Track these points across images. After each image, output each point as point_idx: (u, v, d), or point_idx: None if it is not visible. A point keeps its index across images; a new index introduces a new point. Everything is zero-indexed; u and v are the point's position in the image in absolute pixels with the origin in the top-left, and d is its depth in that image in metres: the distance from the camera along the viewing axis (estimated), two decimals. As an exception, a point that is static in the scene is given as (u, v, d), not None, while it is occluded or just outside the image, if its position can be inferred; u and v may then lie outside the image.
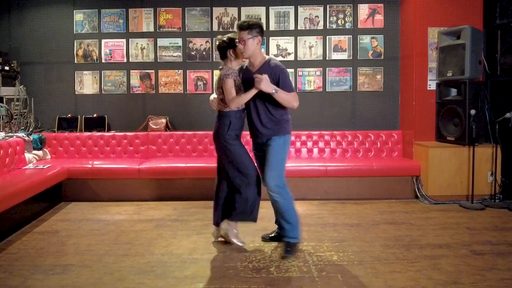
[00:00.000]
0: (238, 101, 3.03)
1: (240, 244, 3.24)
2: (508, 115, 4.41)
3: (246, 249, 3.22)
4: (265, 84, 2.90)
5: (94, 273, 2.81)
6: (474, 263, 2.95)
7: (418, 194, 4.70)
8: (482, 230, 3.68)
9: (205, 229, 3.67)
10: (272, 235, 3.43)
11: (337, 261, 3.00)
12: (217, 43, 3.22)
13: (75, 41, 5.54)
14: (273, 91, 2.92)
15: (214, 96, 3.28)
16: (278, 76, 2.99)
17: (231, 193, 3.27)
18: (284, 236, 3.16)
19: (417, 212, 4.24)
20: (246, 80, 3.10)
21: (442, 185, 4.59)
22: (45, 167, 4.39)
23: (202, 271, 2.84)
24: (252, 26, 3.00)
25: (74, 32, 5.53)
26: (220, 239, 3.37)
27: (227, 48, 3.14)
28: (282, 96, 2.96)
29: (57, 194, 4.60)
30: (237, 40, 3.05)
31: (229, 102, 3.05)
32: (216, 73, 5.45)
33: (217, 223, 3.34)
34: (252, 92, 2.97)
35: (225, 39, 3.16)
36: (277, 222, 3.35)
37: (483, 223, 3.88)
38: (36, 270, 2.86)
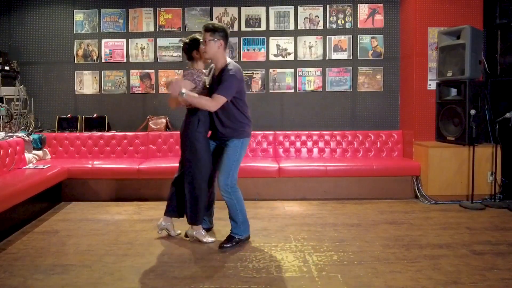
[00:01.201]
0: (170, 101, 3.26)
1: (211, 240, 3.35)
2: (508, 115, 4.42)
3: (246, 249, 3.22)
4: (172, 88, 3.02)
5: (94, 273, 2.81)
6: (474, 263, 2.95)
7: (418, 194, 4.70)
8: (482, 230, 3.68)
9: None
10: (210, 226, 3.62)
11: (337, 261, 3.00)
12: (182, 46, 3.29)
13: (75, 41, 5.54)
14: (182, 94, 2.99)
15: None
16: (223, 78, 3.09)
17: (182, 191, 3.37)
18: (230, 230, 3.34)
19: (417, 212, 4.24)
20: (212, 82, 3.24)
21: (442, 185, 4.59)
22: (45, 167, 4.39)
23: (202, 271, 2.84)
24: (217, 29, 3.10)
25: (74, 32, 5.53)
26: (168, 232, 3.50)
27: (191, 49, 3.22)
28: (191, 100, 3.05)
29: (57, 194, 4.60)
30: (201, 40, 3.16)
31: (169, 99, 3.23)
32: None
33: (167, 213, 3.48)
34: (173, 98, 3.15)
35: (187, 40, 3.24)
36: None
37: (483, 223, 3.88)
38: (36, 270, 2.86)
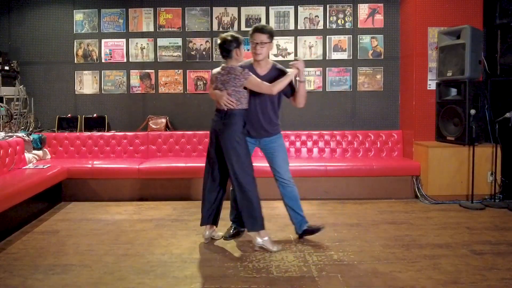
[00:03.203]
0: (280, 87, 3.14)
1: (277, 249, 3.18)
2: (508, 115, 4.41)
3: (246, 249, 3.22)
4: (302, 65, 3.21)
5: (94, 273, 2.81)
6: (474, 263, 2.95)
7: (418, 194, 4.70)
8: (482, 230, 3.68)
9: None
10: (233, 232, 3.49)
11: (337, 261, 3.00)
12: (221, 41, 3.13)
13: (75, 41, 5.54)
14: (304, 79, 3.29)
15: (217, 91, 3.17)
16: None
17: (235, 197, 3.29)
18: (301, 223, 3.40)
19: (417, 212, 4.24)
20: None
21: (442, 185, 4.59)
22: (45, 167, 4.39)
23: (202, 271, 2.84)
24: (272, 32, 3.20)
25: (74, 32, 5.54)
26: (213, 237, 3.42)
27: (232, 47, 3.10)
28: (303, 88, 3.30)
29: (57, 194, 4.60)
30: (252, 41, 3.14)
31: (271, 91, 3.10)
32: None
33: (206, 223, 3.35)
34: (291, 77, 3.20)
35: (229, 38, 3.09)
36: (236, 217, 3.48)
37: (483, 223, 3.88)
38: (36, 270, 2.86)
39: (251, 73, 3.10)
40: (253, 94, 3.18)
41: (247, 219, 3.16)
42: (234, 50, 3.11)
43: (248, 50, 5.38)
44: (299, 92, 3.28)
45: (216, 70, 3.23)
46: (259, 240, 3.17)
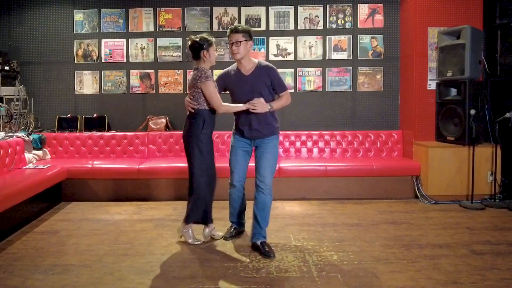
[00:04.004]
0: (228, 110, 3.18)
1: (197, 243, 3.32)
2: (508, 115, 4.42)
3: (246, 249, 3.22)
4: (262, 107, 3.11)
5: (94, 273, 2.81)
6: (474, 263, 2.95)
7: (418, 194, 4.70)
8: (482, 230, 3.68)
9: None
10: (233, 232, 3.48)
11: (337, 261, 3.00)
12: (189, 43, 3.22)
13: (75, 41, 5.54)
14: (269, 108, 3.15)
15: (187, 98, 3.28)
16: (273, 76, 3.18)
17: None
18: (257, 236, 3.20)
19: (417, 212, 4.25)
20: (239, 83, 3.21)
21: (442, 185, 4.59)
22: (45, 167, 4.39)
23: (202, 271, 2.84)
24: (246, 30, 3.15)
25: (74, 32, 5.53)
26: (213, 237, 3.45)
27: (200, 49, 3.18)
28: (277, 107, 3.22)
29: (57, 194, 4.60)
30: (229, 42, 3.16)
31: (217, 107, 3.14)
32: (217, 73, 5.45)
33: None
34: (242, 107, 3.14)
35: (197, 39, 3.18)
36: (238, 217, 3.49)
37: (483, 223, 3.88)
38: (36, 270, 2.86)
39: (211, 80, 3.13)
40: (245, 95, 3.16)
41: (190, 210, 3.28)
42: (202, 52, 3.18)
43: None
44: (276, 110, 3.25)
45: None
46: (182, 229, 3.35)
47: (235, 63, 3.29)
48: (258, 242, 3.16)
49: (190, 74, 3.34)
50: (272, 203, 3.23)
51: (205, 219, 3.35)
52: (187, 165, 3.29)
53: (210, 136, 3.26)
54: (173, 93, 5.51)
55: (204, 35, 3.21)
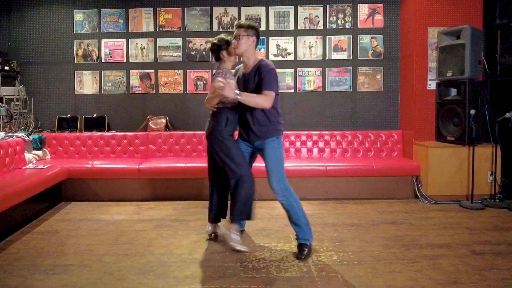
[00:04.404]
0: (208, 101, 3.20)
1: (243, 249, 3.18)
2: (508, 115, 4.42)
3: (246, 249, 3.22)
4: (227, 90, 2.89)
5: (94, 273, 2.81)
6: (474, 263, 2.95)
7: (418, 194, 4.70)
8: (482, 230, 3.68)
9: (205, 229, 3.67)
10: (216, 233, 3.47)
11: (337, 261, 3.00)
12: (210, 46, 3.30)
13: (75, 41, 5.54)
14: (236, 96, 2.93)
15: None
16: (263, 73, 3.02)
17: (225, 192, 3.34)
18: (296, 238, 3.16)
19: (417, 212, 4.24)
20: (239, 80, 3.20)
21: (442, 185, 4.59)
22: (45, 167, 4.39)
23: (202, 271, 2.84)
24: (250, 26, 3.12)
25: (74, 32, 5.54)
26: (216, 234, 3.46)
27: (219, 49, 3.22)
28: (246, 100, 2.98)
29: (57, 194, 4.60)
30: (232, 38, 3.16)
31: (207, 100, 3.21)
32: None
33: (212, 220, 3.42)
34: (216, 97, 3.07)
35: (215, 41, 3.24)
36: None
37: (483, 223, 3.88)
38: (36, 270, 2.86)
39: (219, 77, 3.06)
40: None
41: (237, 210, 3.16)
42: (221, 52, 3.22)
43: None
44: (244, 103, 3.01)
45: None
46: (226, 230, 3.26)
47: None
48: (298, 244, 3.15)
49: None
50: (297, 201, 3.10)
51: (250, 214, 3.23)
52: (220, 165, 3.21)
53: (233, 134, 3.22)
54: (173, 93, 5.51)
55: (221, 35, 3.27)
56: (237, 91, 2.96)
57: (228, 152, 3.15)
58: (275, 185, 3.07)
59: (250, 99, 2.99)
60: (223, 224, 3.41)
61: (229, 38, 3.23)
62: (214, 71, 3.26)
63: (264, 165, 3.14)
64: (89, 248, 3.27)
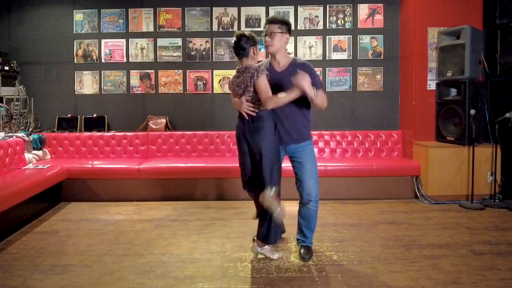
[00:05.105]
0: (277, 102, 2.71)
1: (279, 256, 3.05)
2: (508, 115, 4.42)
3: (246, 249, 3.22)
4: (309, 86, 2.63)
5: (94, 273, 2.81)
6: (474, 263, 2.95)
7: (418, 194, 4.70)
8: (482, 230, 3.68)
9: (205, 229, 3.68)
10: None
11: (337, 261, 3.00)
12: (237, 39, 2.87)
13: (75, 41, 5.54)
14: (315, 94, 2.67)
15: (236, 99, 2.93)
16: (311, 75, 2.76)
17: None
18: (303, 241, 3.13)
19: (417, 212, 4.24)
20: (270, 80, 2.81)
21: (442, 185, 4.59)
22: (45, 167, 4.39)
23: (202, 271, 2.84)
24: (284, 22, 2.90)
25: (74, 32, 5.53)
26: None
27: (251, 44, 2.86)
28: (321, 99, 2.76)
29: (57, 194, 4.60)
30: (263, 34, 2.89)
31: (265, 101, 2.73)
32: (217, 73, 5.49)
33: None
34: (294, 94, 2.68)
35: (247, 34, 2.85)
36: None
37: (483, 223, 3.88)
38: (36, 270, 2.86)
39: (265, 74, 2.78)
40: (275, 93, 2.78)
41: (272, 229, 2.92)
42: (251, 48, 2.86)
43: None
44: (315, 103, 2.78)
45: (232, 75, 2.99)
46: (259, 249, 3.03)
47: (268, 58, 3.02)
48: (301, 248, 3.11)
49: (232, 77, 2.97)
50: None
51: (282, 228, 3.10)
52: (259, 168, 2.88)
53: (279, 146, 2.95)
54: (173, 93, 5.51)
55: (249, 32, 2.89)
56: (314, 89, 2.68)
57: (276, 163, 2.88)
58: (313, 191, 3.01)
59: (323, 98, 2.78)
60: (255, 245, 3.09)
61: (256, 36, 2.90)
62: (242, 69, 2.87)
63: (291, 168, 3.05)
64: (89, 248, 3.27)
